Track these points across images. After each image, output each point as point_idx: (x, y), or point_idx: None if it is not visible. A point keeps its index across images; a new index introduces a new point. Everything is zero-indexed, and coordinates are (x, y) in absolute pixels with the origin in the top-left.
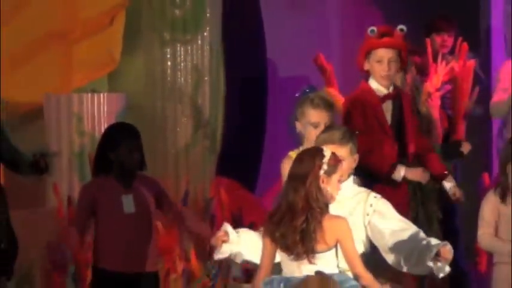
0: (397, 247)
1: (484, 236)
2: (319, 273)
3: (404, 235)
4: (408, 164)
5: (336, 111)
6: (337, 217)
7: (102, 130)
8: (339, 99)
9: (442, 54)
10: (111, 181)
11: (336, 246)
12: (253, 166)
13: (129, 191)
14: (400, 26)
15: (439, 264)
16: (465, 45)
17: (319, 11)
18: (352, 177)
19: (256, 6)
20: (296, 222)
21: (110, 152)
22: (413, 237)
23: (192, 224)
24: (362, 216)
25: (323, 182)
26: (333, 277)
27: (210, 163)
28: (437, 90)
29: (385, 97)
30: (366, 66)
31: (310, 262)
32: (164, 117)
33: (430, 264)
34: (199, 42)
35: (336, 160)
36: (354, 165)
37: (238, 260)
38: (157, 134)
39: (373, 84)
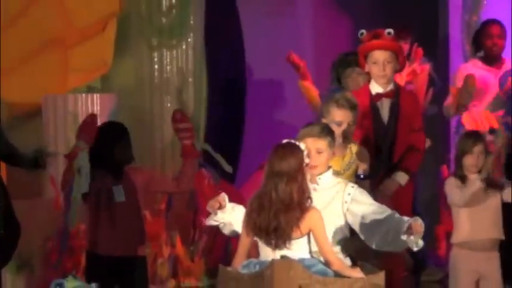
0: (375, 229)
1: (460, 197)
2: (284, 258)
3: (381, 217)
4: (391, 163)
5: (357, 110)
6: (311, 208)
7: None
8: (314, 91)
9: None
10: (103, 173)
11: (308, 234)
12: (233, 159)
13: (119, 182)
14: (388, 30)
15: (411, 237)
16: (420, 50)
17: (292, 18)
18: (331, 169)
19: (235, 14)
20: (292, 215)
21: (103, 149)
22: (388, 218)
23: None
24: (341, 204)
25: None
26: (301, 261)
27: None
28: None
29: (380, 95)
30: (367, 68)
31: (286, 247)
32: (152, 115)
33: (404, 238)
34: (184, 47)
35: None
36: (332, 157)
37: (227, 231)
38: (145, 130)
39: (372, 84)
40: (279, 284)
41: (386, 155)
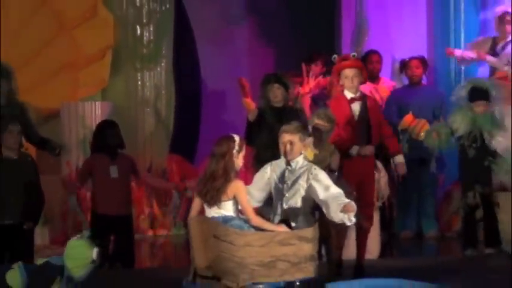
0: (326, 203)
1: None
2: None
3: (330, 194)
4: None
5: (334, 123)
6: (235, 180)
7: None
8: (252, 105)
9: (312, 73)
10: (103, 157)
11: (233, 198)
12: (193, 147)
13: (114, 163)
14: (353, 53)
15: (345, 215)
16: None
17: (233, 46)
18: (302, 154)
19: (194, 45)
20: (217, 183)
21: (100, 137)
22: (334, 196)
23: (152, 181)
24: (306, 180)
25: (235, 157)
26: (219, 218)
27: (165, 146)
28: (307, 93)
29: (353, 99)
30: (341, 82)
31: (218, 207)
32: (136, 117)
33: (341, 215)
34: (159, 69)
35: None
36: (302, 148)
37: None
38: (132, 127)
39: (346, 92)
40: (195, 234)
41: (363, 139)
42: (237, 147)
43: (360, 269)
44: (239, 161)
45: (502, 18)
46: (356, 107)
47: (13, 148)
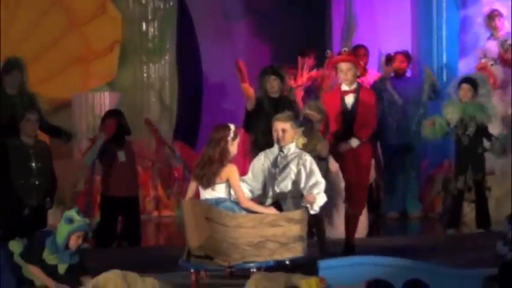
0: (305, 190)
1: None
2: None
3: (309, 182)
4: (354, 134)
5: (323, 114)
6: (229, 165)
7: None
8: (251, 90)
9: (305, 67)
10: (111, 142)
11: (227, 181)
12: (194, 134)
13: (122, 148)
14: (344, 49)
15: (308, 204)
16: (311, 61)
17: (232, 43)
18: (295, 142)
19: (195, 40)
20: (213, 167)
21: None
22: (311, 185)
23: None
24: (296, 165)
25: (229, 144)
26: (211, 200)
27: (169, 133)
28: (299, 86)
29: (347, 92)
30: (338, 75)
31: (212, 189)
32: (142, 106)
33: (303, 203)
34: (163, 62)
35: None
36: (294, 135)
37: None
38: (138, 115)
39: (342, 85)
40: (188, 217)
41: (348, 128)
42: (232, 135)
43: (349, 248)
44: (233, 147)
45: (490, 16)
46: (350, 99)
47: (31, 135)
